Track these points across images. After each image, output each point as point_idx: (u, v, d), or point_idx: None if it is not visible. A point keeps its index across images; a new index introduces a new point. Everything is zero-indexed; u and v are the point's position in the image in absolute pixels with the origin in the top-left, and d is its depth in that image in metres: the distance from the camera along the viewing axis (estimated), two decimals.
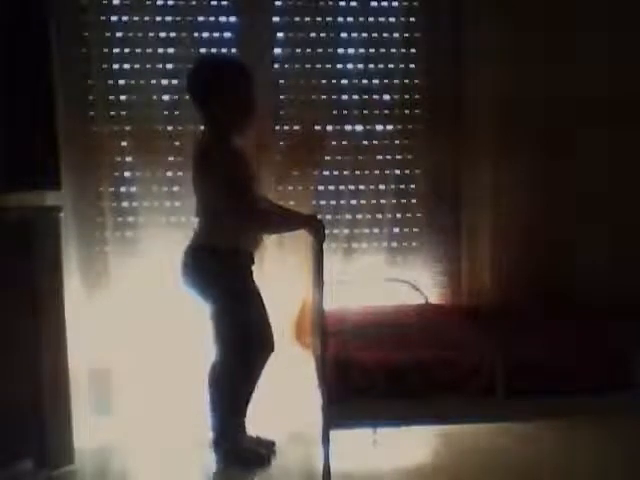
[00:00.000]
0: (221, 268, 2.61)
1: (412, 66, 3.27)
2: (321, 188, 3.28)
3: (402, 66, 3.25)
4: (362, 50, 3.23)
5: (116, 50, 3.09)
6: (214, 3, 3.15)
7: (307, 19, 3.16)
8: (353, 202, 3.29)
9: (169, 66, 3.12)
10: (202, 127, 2.75)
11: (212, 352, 2.72)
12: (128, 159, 3.15)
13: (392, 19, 3.24)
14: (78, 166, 3.06)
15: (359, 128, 3.26)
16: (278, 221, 2.77)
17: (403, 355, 2.41)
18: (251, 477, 2.66)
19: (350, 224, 3.29)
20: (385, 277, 3.18)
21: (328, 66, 3.19)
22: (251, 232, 2.69)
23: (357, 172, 3.27)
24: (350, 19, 3.21)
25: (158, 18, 3.08)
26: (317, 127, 3.20)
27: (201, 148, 2.63)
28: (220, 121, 2.61)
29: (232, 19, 3.19)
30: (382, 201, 3.30)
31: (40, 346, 2.59)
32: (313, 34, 3.17)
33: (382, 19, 3.24)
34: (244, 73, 2.63)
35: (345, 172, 3.27)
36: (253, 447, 2.77)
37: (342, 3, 3.20)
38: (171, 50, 3.11)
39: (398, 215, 3.34)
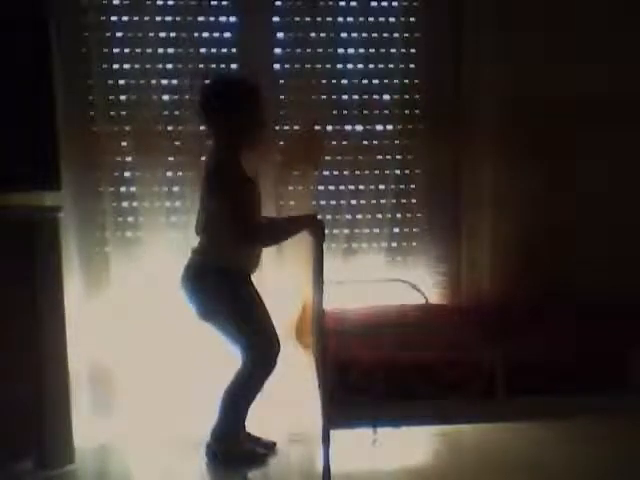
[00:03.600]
0: (223, 287, 2.61)
1: (412, 66, 3.27)
2: (321, 188, 3.28)
3: (402, 66, 3.25)
4: (362, 50, 3.24)
5: (116, 50, 3.10)
6: (214, 3, 3.15)
7: (307, 19, 3.16)
8: (353, 202, 3.30)
9: (169, 66, 3.12)
10: (211, 142, 2.75)
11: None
12: (128, 159, 3.15)
13: (392, 19, 3.24)
14: (78, 166, 3.06)
15: (359, 128, 3.27)
16: (281, 234, 2.76)
17: (403, 355, 2.41)
18: (251, 477, 2.67)
19: (350, 224, 3.29)
20: (385, 277, 3.18)
21: (328, 66, 3.20)
22: (255, 251, 2.70)
23: (357, 172, 3.28)
24: (350, 19, 3.22)
25: (158, 18, 3.08)
26: (317, 127, 3.20)
27: (212, 164, 2.64)
28: (232, 138, 2.62)
29: (232, 19, 3.19)
30: (382, 201, 3.30)
31: (40, 346, 2.59)
32: (313, 34, 3.17)
33: (382, 19, 3.24)
34: (256, 92, 2.64)
35: (345, 172, 3.27)
36: (250, 447, 2.77)
37: (342, 3, 3.20)
38: (171, 50, 3.12)
39: (398, 215, 3.34)
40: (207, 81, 2.78)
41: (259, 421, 2.93)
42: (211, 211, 2.63)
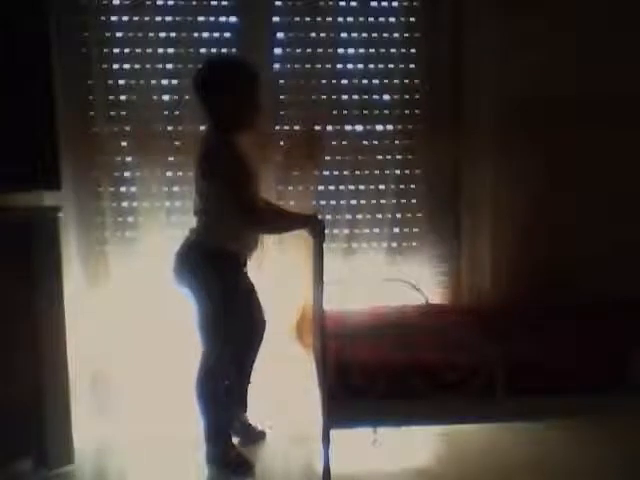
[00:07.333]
0: (213, 269, 2.59)
1: (412, 66, 3.27)
2: (321, 188, 3.28)
3: (402, 66, 3.25)
4: (362, 50, 3.23)
5: (116, 50, 3.10)
6: (214, 3, 3.14)
7: (307, 19, 3.16)
8: (353, 202, 3.29)
9: (169, 66, 3.12)
10: (204, 126, 2.75)
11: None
12: (128, 159, 3.15)
13: (392, 19, 3.24)
14: (78, 166, 3.06)
15: (359, 128, 3.27)
16: (279, 221, 2.77)
17: (403, 355, 2.41)
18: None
19: (350, 224, 3.29)
20: (385, 277, 3.18)
21: (328, 66, 3.19)
22: (250, 234, 2.69)
23: (357, 172, 3.27)
24: (350, 19, 3.21)
25: (158, 18, 3.08)
26: (317, 127, 3.20)
27: (206, 146, 2.63)
28: (226, 120, 2.62)
29: (232, 19, 3.19)
30: (382, 201, 3.30)
31: (40, 346, 2.59)
32: (313, 34, 3.17)
33: (382, 19, 3.24)
34: (252, 73, 2.64)
35: (345, 172, 3.27)
36: (242, 453, 2.74)
37: (342, 3, 3.19)
38: (171, 50, 3.12)
39: (398, 215, 3.34)
40: (205, 62, 2.74)
41: (259, 421, 2.94)
42: (206, 193, 2.62)
